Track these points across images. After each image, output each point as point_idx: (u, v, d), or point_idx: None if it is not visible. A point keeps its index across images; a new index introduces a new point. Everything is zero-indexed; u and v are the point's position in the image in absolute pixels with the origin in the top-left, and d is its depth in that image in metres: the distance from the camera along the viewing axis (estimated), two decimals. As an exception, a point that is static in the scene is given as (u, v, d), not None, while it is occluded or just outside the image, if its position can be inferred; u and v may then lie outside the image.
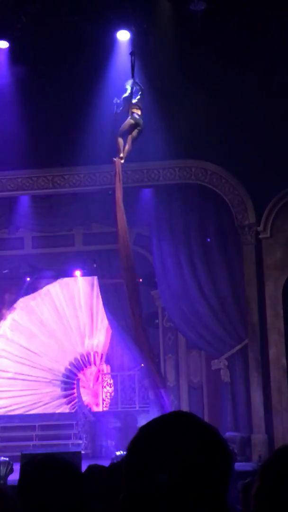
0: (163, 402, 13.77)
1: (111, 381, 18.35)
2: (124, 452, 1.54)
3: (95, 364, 19.24)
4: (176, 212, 15.01)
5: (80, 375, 19.10)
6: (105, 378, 18.70)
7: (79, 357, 19.40)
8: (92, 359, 19.32)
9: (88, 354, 19.33)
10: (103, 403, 18.39)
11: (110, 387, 18.28)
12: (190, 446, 1.45)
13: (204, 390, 16.09)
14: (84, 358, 19.36)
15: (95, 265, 17.41)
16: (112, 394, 18.12)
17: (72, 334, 19.48)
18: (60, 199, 15.52)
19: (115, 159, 12.80)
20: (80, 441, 16.92)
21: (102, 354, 19.11)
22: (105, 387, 18.44)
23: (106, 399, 18.24)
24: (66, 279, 19.10)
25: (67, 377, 19.33)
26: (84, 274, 18.34)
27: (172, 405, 16.18)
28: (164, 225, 15.12)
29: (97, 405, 18.45)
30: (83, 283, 19.25)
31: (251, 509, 1.68)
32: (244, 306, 14.35)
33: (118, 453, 12.70)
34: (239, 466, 11.64)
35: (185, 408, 15.54)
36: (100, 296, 18.13)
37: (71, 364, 19.37)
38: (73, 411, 18.46)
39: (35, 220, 15.85)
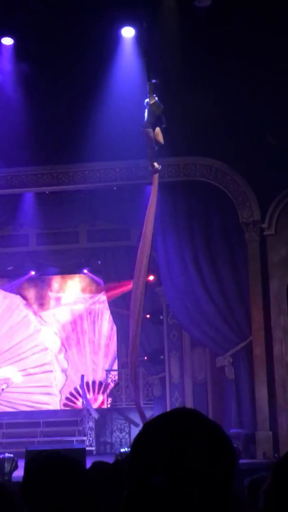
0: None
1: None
2: (129, 449, 1.54)
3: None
4: (180, 209, 15.00)
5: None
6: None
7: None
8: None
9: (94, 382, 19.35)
10: (107, 400, 18.42)
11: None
12: (194, 443, 1.45)
13: (209, 387, 16.09)
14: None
15: (99, 262, 17.43)
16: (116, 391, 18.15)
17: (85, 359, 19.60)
18: (65, 196, 15.53)
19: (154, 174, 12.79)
20: (85, 438, 16.95)
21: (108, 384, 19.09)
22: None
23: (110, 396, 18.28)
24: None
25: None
26: (88, 271, 18.35)
27: (177, 402, 16.21)
28: (169, 222, 15.11)
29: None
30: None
31: (258, 505, 1.68)
32: (249, 303, 14.34)
33: (122, 450, 12.72)
34: (245, 463, 11.64)
35: (189, 405, 15.55)
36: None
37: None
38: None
39: (39, 217, 15.88)
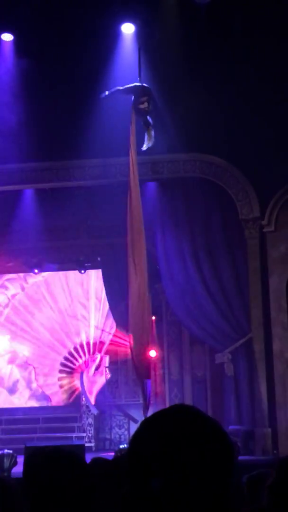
0: (146, 392, 13.53)
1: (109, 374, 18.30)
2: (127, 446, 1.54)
3: (97, 353, 19.13)
4: (180, 205, 14.99)
5: (80, 362, 19.08)
6: (105, 368, 18.64)
7: (84, 345, 19.31)
8: (91, 349, 19.20)
9: (89, 344, 19.23)
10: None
11: (108, 377, 18.25)
12: (192, 439, 1.45)
13: (208, 384, 16.11)
14: (85, 347, 19.24)
15: (99, 259, 17.41)
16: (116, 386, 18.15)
17: (75, 323, 19.44)
18: (65, 192, 15.51)
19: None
20: (84, 434, 16.96)
21: (103, 344, 19.03)
22: (103, 375, 18.43)
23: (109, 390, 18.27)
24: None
25: (68, 361, 19.30)
26: (88, 268, 18.32)
27: (176, 399, 16.22)
28: (168, 219, 15.11)
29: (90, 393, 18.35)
30: (90, 275, 19.22)
31: (259, 501, 1.69)
32: (248, 299, 14.35)
33: (121, 446, 12.73)
34: (245, 459, 11.66)
35: (188, 401, 15.57)
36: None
37: (74, 348, 19.31)
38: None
39: (39, 213, 15.86)
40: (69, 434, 16.98)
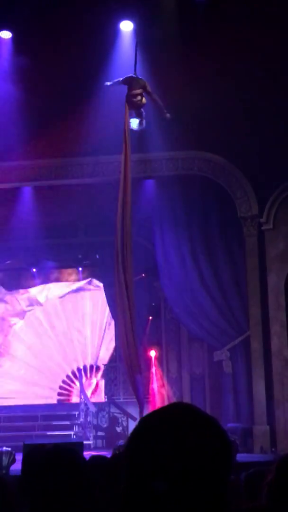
0: (138, 390, 13.50)
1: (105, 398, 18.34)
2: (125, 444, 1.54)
3: (93, 377, 19.18)
4: (178, 203, 15.00)
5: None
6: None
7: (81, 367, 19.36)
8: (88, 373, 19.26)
9: (85, 367, 19.28)
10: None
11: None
12: (190, 437, 1.45)
13: (206, 381, 16.12)
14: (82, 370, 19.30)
15: (97, 256, 17.41)
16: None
17: (73, 346, 19.46)
18: (63, 190, 15.51)
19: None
20: (82, 432, 16.96)
21: (99, 367, 19.12)
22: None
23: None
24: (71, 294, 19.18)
25: (64, 384, 19.38)
26: (86, 265, 18.33)
27: (174, 397, 16.23)
28: (167, 217, 15.11)
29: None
30: (89, 296, 19.24)
31: (257, 498, 1.69)
32: (246, 297, 14.36)
33: (119, 444, 12.72)
34: (243, 457, 11.67)
35: (187, 399, 15.58)
36: (102, 308, 18.30)
37: (72, 372, 19.35)
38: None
39: (38, 211, 15.85)
40: (67, 432, 17.00)
